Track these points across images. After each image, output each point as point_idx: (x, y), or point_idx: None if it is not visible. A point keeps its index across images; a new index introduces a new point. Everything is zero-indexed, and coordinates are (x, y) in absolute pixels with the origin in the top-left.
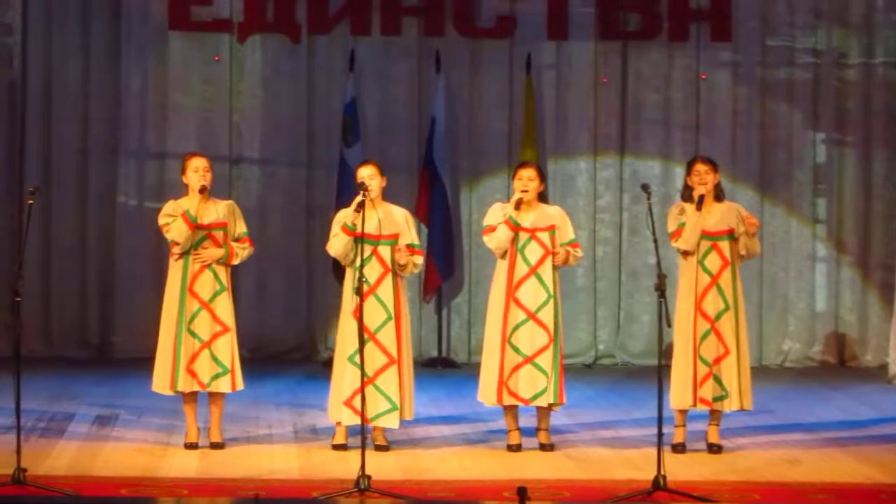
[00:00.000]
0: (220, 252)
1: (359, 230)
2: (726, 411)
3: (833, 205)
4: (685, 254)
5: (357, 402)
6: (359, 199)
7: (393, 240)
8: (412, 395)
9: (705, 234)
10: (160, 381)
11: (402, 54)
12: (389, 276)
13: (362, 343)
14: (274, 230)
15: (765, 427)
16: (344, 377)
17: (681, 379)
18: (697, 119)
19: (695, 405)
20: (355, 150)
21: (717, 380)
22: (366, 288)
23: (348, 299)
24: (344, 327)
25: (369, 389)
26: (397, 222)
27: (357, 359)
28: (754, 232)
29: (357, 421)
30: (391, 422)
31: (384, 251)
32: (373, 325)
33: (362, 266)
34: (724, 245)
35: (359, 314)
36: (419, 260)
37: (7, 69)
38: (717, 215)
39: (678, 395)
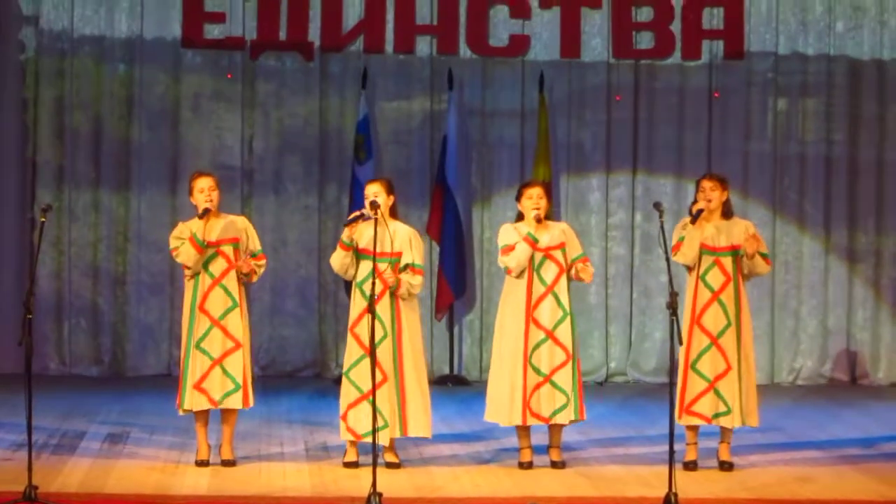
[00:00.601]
0: (248, 264)
1: (356, 246)
2: (728, 427)
3: (846, 222)
4: (689, 269)
5: (350, 418)
6: (355, 214)
7: (396, 258)
8: (423, 412)
9: (707, 250)
10: (177, 401)
11: (415, 72)
12: (388, 294)
13: (374, 356)
14: (286, 247)
15: (776, 444)
16: (341, 392)
17: (676, 394)
18: (710, 137)
19: (679, 419)
20: (367, 167)
21: (719, 395)
22: (365, 304)
23: (352, 316)
24: (349, 343)
25: (363, 406)
26: (401, 240)
27: (352, 374)
28: (752, 253)
29: (349, 437)
30: (382, 439)
31: (384, 269)
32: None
33: (374, 282)
34: (727, 261)
35: (370, 332)
36: (416, 280)
37: (20, 86)
38: (722, 231)
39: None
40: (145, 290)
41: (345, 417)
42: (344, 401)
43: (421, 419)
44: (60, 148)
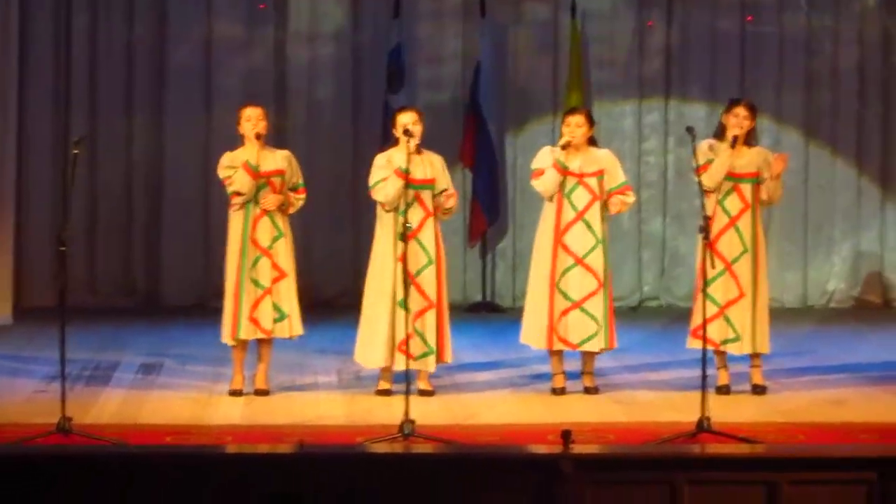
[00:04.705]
0: (281, 198)
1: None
2: (736, 354)
3: (879, 144)
4: (707, 192)
5: (409, 346)
6: (415, 142)
7: (432, 185)
8: (450, 338)
9: (729, 175)
10: (225, 331)
11: (448, 0)
12: (431, 221)
13: (407, 288)
14: (320, 177)
15: (809, 368)
16: (394, 322)
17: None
18: (742, 62)
19: (687, 343)
20: (400, 96)
21: (728, 322)
22: (408, 232)
23: (389, 244)
24: (385, 272)
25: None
26: (435, 168)
27: (408, 304)
28: (778, 173)
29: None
30: (429, 365)
31: (426, 196)
32: (414, 268)
33: (407, 211)
34: (746, 188)
35: (404, 259)
36: (456, 202)
37: (54, 20)
38: (745, 158)
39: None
40: (179, 221)
41: (403, 346)
42: (400, 330)
43: (450, 346)
44: (93, 80)
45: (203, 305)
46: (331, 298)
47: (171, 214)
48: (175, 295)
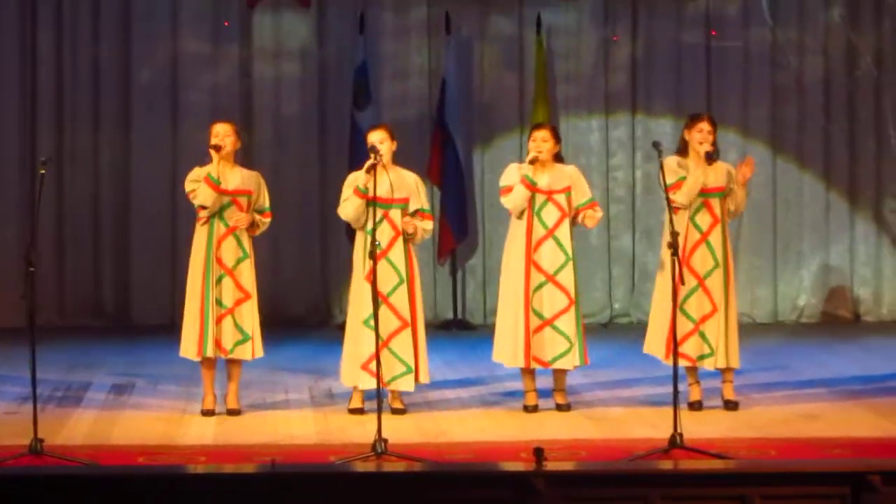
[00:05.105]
0: (251, 217)
1: (371, 193)
2: (710, 369)
3: (846, 157)
4: (676, 209)
5: (374, 365)
6: (371, 161)
7: (403, 204)
8: (426, 358)
9: (700, 191)
10: (188, 347)
11: (413, 16)
12: (400, 240)
13: (377, 306)
14: (287, 194)
15: (781, 383)
16: (360, 341)
17: (658, 333)
18: (708, 76)
19: (665, 359)
20: (367, 113)
21: (703, 337)
22: (378, 251)
23: (360, 263)
24: (357, 291)
25: (384, 353)
26: (408, 187)
27: (372, 322)
28: (744, 181)
29: (374, 384)
30: (407, 385)
31: (395, 215)
32: (385, 288)
33: (374, 230)
34: (716, 203)
35: (372, 278)
36: (429, 225)
37: (17, 38)
38: (713, 173)
39: (655, 347)
40: (147, 239)
41: (367, 366)
42: (366, 350)
43: (426, 365)
44: (59, 100)
45: (173, 324)
46: (300, 315)
47: (140, 233)
48: (145, 314)
